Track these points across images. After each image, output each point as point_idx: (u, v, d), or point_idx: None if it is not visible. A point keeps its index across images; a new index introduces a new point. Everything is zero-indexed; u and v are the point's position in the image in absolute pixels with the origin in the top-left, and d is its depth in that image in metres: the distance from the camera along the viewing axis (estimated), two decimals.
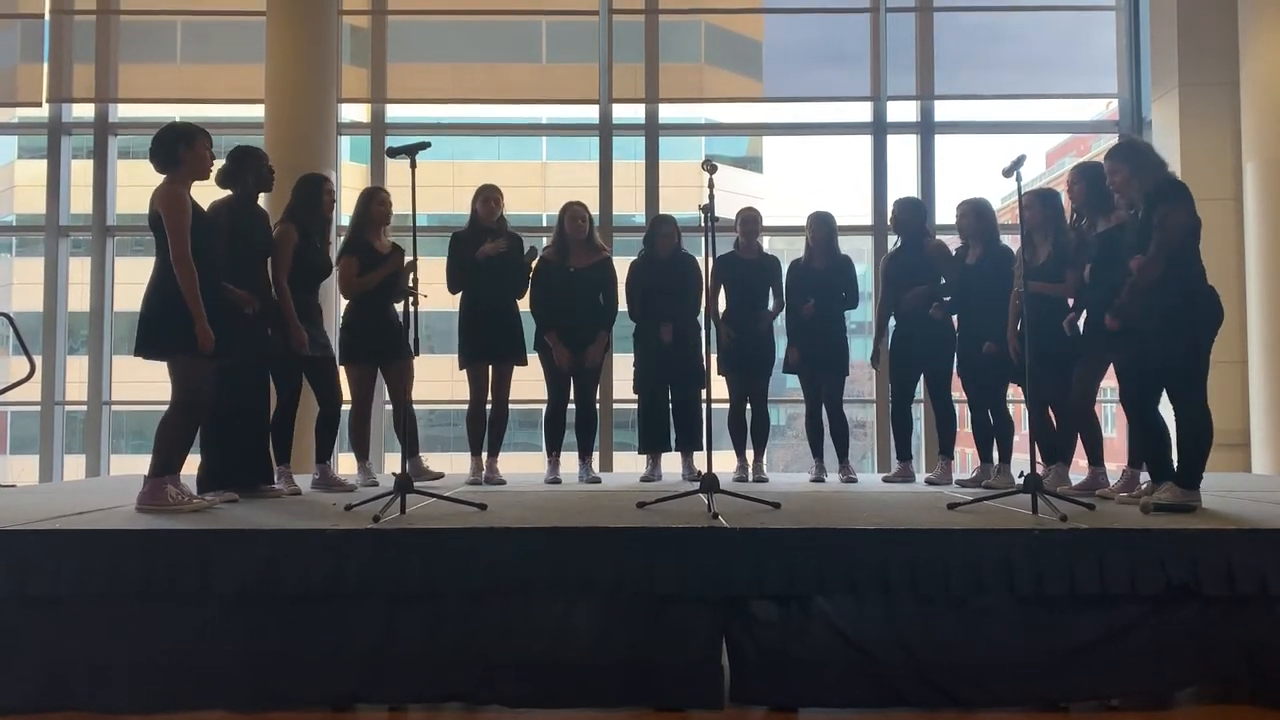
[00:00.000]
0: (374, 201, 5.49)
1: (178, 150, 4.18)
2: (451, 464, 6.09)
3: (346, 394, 5.45)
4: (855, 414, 6.15)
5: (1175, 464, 4.23)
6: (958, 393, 5.75)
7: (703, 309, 4.79)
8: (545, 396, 5.85)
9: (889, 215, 6.02)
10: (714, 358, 4.77)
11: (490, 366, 5.67)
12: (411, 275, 4.81)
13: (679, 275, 5.80)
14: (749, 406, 6.03)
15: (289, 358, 4.92)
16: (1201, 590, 3.50)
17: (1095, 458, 5.01)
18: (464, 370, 5.71)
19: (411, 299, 4.60)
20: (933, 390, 5.84)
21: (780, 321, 6.08)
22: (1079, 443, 5.07)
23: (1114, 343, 4.53)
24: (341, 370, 5.41)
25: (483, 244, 5.59)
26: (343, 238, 5.58)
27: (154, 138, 4.23)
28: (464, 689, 3.53)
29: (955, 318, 5.63)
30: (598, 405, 6.22)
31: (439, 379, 5.70)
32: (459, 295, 5.70)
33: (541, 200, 16.70)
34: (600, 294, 5.81)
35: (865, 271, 6.56)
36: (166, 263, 4.09)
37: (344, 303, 5.58)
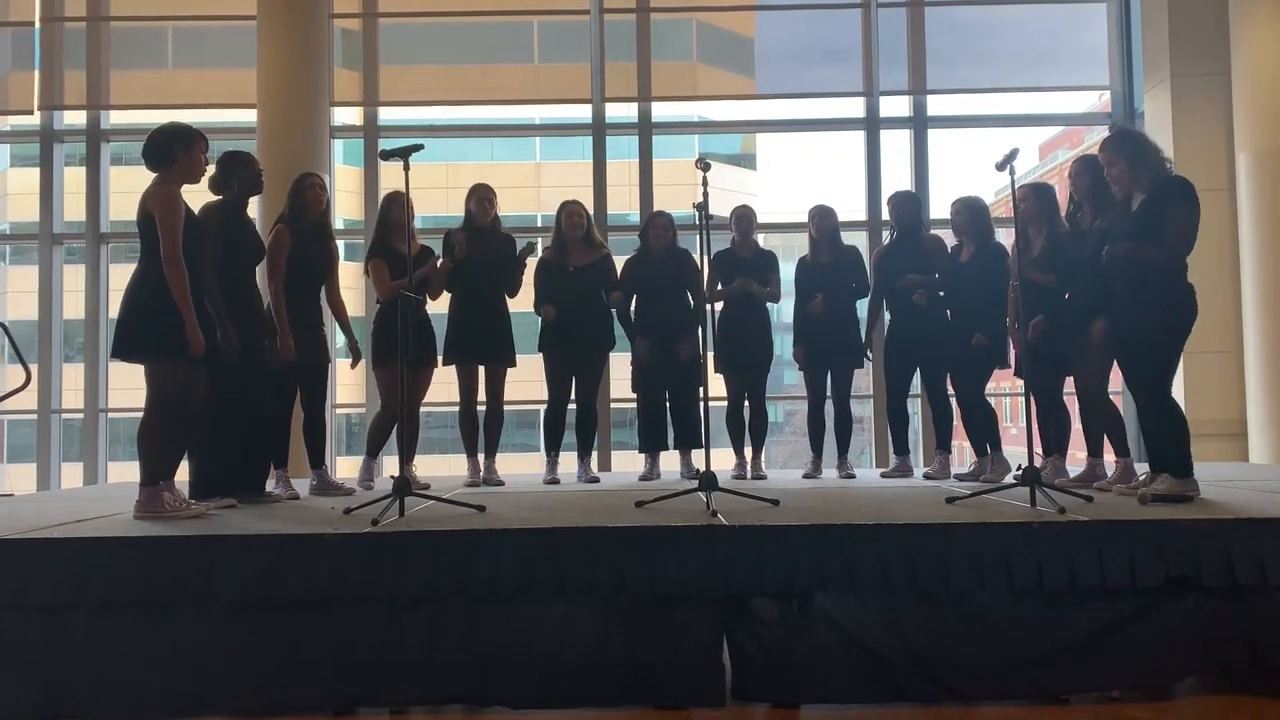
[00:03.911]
0: (394, 206, 5.46)
1: (174, 151, 4.14)
2: (450, 466, 6.09)
3: (342, 398, 5.43)
4: (853, 409, 6.13)
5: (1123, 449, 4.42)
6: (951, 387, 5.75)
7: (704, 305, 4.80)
8: (540, 397, 5.84)
9: (886, 209, 6.01)
10: (710, 355, 4.76)
11: (481, 367, 5.66)
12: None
13: (675, 271, 5.79)
14: (747, 404, 6.03)
15: (283, 363, 4.90)
16: (1201, 580, 3.51)
17: (1094, 449, 5.02)
18: (449, 367, 5.67)
19: (415, 305, 4.63)
20: (929, 385, 5.83)
21: (781, 319, 6.06)
22: (1074, 433, 5.09)
23: (1118, 336, 4.53)
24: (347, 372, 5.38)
25: (477, 243, 5.57)
26: (369, 242, 5.57)
27: (150, 136, 4.18)
28: (466, 691, 3.53)
29: (948, 312, 5.62)
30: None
31: (436, 381, 5.68)
32: (449, 295, 5.68)
33: (536, 201, 16.69)
34: (603, 292, 5.79)
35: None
36: (148, 265, 4.05)
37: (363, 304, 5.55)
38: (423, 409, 5.71)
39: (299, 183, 5.12)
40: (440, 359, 5.60)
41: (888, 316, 5.91)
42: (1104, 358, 4.80)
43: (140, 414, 4.17)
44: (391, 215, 5.42)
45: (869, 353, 5.97)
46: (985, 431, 5.50)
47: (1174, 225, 4.14)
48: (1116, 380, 5.00)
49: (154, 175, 4.18)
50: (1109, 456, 5.00)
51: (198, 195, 4.48)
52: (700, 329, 4.76)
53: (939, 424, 5.83)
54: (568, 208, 5.84)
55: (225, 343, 4.44)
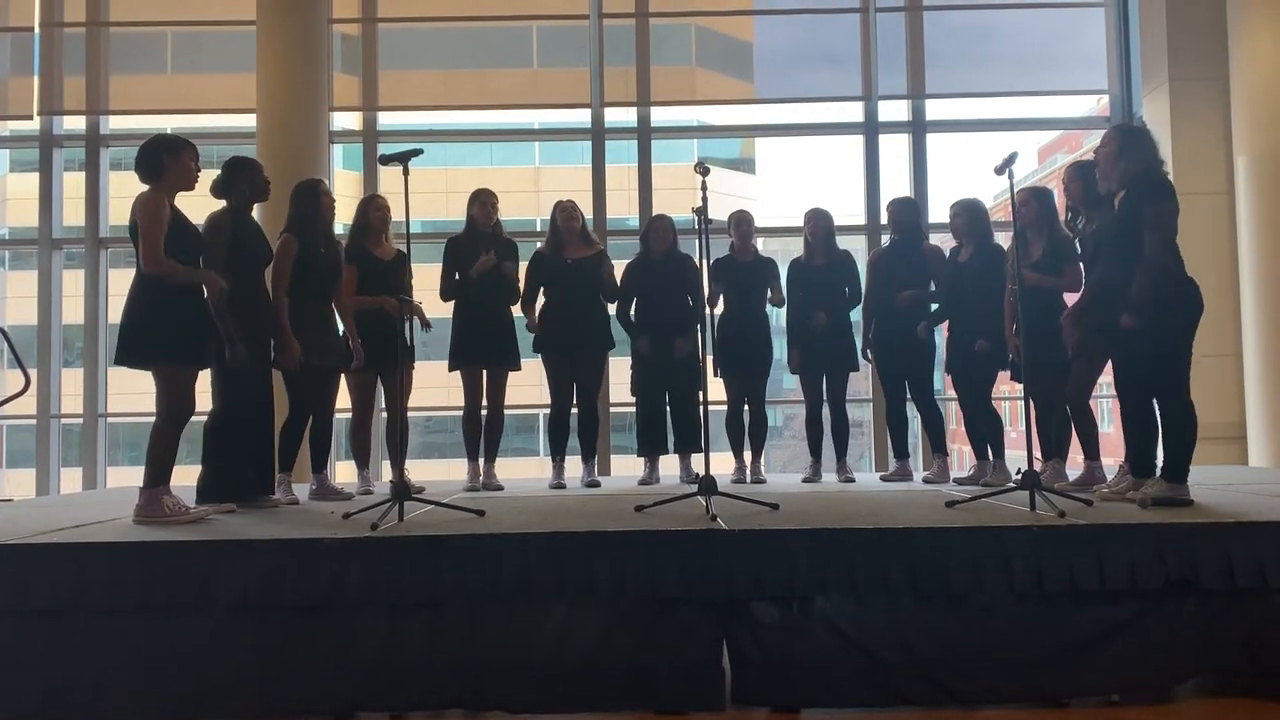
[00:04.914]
0: (371, 208, 5.48)
1: (162, 160, 4.18)
2: (449, 470, 6.08)
3: (340, 402, 5.42)
4: (852, 413, 6.13)
5: (1160, 458, 4.26)
6: (948, 390, 5.75)
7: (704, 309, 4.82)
8: (540, 401, 5.83)
9: (885, 214, 6.02)
10: (709, 359, 4.75)
11: (485, 371, 5.66)
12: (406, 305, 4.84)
13: (676, 275, 5.79)
14: (747, 408, 6.03)
15: (293, 367, 4.91)
16: (1200, 583, 3.51)
17: (1092, 453, 5.02)
18: (455, 372, 5.68)
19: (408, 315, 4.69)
20: (915, 393, 5.83)
21: (778, 323, 6.07)
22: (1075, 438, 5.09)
23: (1107, 337, 4.53)
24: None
25: (478, 249, 5.57)
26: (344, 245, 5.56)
27: (140, 148, 4.23)
28: (465, 696, 3.53)
29: (937, 313, 5.64)
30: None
31: (435, 385, 5.68)
32: (454, 302, 5.67)
33: (535, 205, 16.70)
34: (598, 285, 5.78)
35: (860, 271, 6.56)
36: (143, 271, 4.09)
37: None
38: (425, 413, 5.72)
39: (310, 190, 5.12)
40: (434, 364, 5.61)
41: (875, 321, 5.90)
42: (1093, 363, 4.80)
43: (139, 419, 4.19)
44: (369, 218, 5.42)
45: (867, 354, 5.96)
46: (990, 437, 5.50)
47: (1154, 227, 4.10)
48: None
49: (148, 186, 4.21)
50: (1109, 459, 5.00)
51: (202, 201, 4.50)
52: (700, 333, 4.76)
53: (930, 429, 5.83)
54: (562, 205, 5.86)
55: (234, 358, 4.46)
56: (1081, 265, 4.82)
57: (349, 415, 5.58)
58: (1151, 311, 4.10)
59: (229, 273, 4.53)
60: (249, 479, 4.68)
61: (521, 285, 5.75)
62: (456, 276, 5.59)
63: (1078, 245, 4.86)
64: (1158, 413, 4.28)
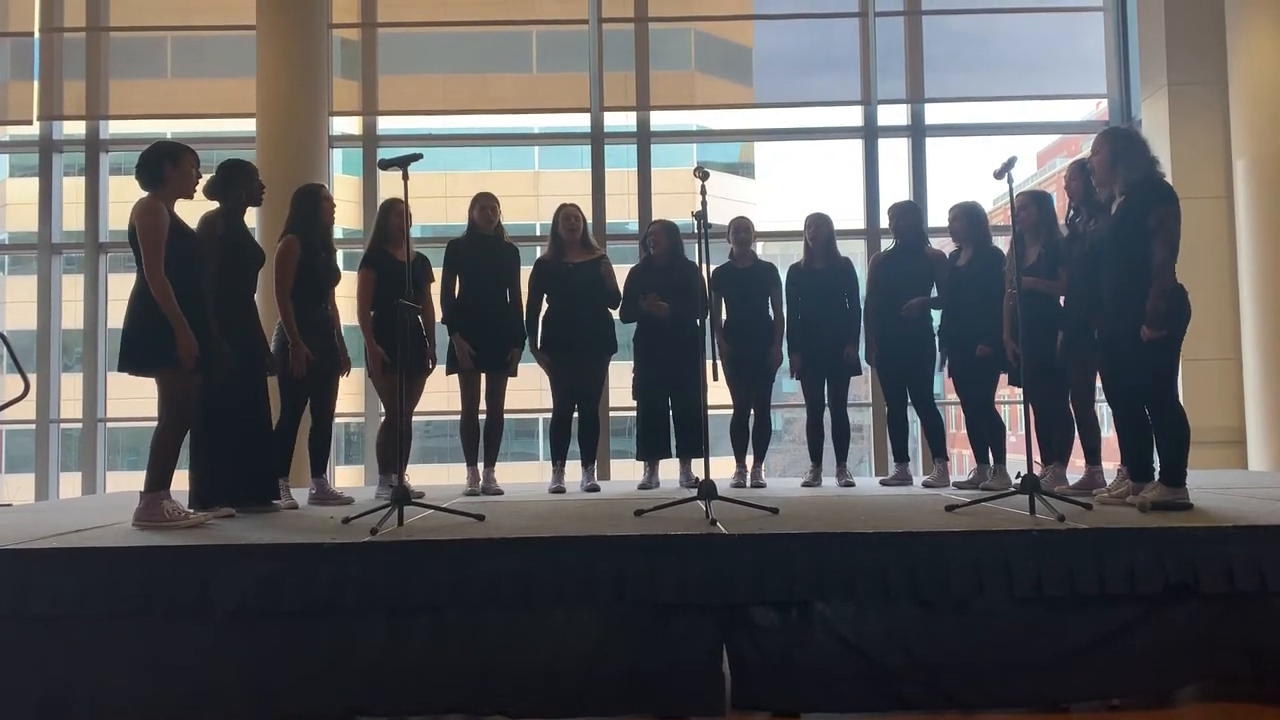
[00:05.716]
0: (392, 213, 5.45)
1: (163, 167, 4.18)
2: (449, 475, 6.08)
3: (340, 406, 5.42)
4: (852, 417, 6.13)
5: (1156, 463, 4.26)
6: (948, 394, 5.76)
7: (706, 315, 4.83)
8: (539, 406, 5.83)
9: (887, 219, 6.03)
10: (709, 364, 4.75)
11: (483, 376, 5.66)
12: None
13: (680, 280, 5.78)
14: (751, 412, 6.02)
15: (292, 371, 4.90)
16: (1200, 588, 3.50)
17: (1094, 457, 5.02)
18: (453, 376, 5.68)
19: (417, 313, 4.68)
20: (915, 397, 5.84)
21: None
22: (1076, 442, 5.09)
23: (1102, 340, 4.52)
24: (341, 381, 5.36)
25: (479, 252, 5.59)
26: (364, 249, 5.55)
27: (141, 155, 4.23)
28: (465, 701, 3.53)
29: (940, 322, 5.64)
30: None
31: (435, 390, 5.68)
32: (454, 300, 5.68)
33: (535, 209, 16.72)
34: (599, 289, 5.79)
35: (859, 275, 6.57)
36: (143, 278, 4.10)
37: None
38: (426, 418, 5.72)
39: (312, 194, 5.12)
40: (443, 368, 5.62)
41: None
42: (1091, 366, 4.80)
43: (138, 423, 4.19)
44: (389, 223, 5.43)
45: (871, 359, 5.95)
46: (991, 441, 5.50)
47: (1161, 229, 4.10)
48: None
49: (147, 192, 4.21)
50: (1107, 463, 5.00)
51: (197, 206, 4.50)
52: (701, 338, 4.76)
53: (931, 434, 5.84)
54: (565, 210, 5.87)
55: (221, 359, 4.43)
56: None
57: (348, 419, 5.58)
58: (1164, 323, 4.08)
59: (221, 275, 4.53)
60: (248, 483, 4.67)
61: (524, 293, 5.76)
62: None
63: (1078, 241, 4.84)
64: (1149, 418, 4.28)
